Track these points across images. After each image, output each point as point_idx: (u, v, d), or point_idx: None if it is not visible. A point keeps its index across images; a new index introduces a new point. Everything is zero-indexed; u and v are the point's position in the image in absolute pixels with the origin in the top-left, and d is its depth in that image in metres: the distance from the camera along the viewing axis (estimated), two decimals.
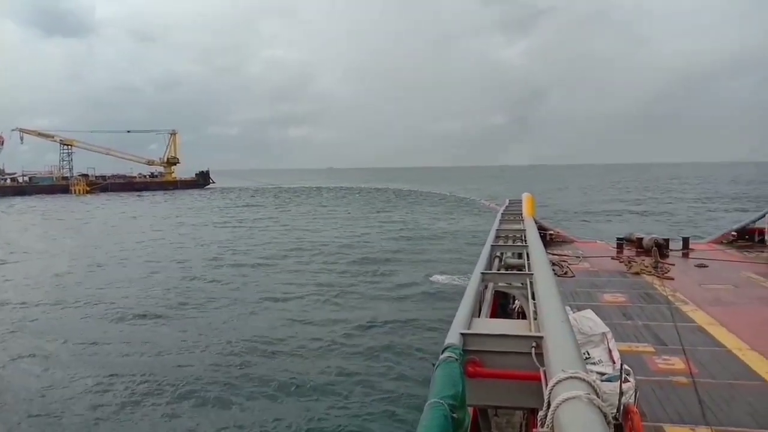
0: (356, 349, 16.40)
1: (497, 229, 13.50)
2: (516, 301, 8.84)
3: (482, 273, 7.22)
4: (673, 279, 13.78)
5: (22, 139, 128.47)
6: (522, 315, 7.30)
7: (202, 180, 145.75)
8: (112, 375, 14.83)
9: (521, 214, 17.54)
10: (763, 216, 19.59)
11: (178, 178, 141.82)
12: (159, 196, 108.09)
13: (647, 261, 15.64)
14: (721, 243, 19.74)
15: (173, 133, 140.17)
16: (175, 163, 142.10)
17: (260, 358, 15.95)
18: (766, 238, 18.96)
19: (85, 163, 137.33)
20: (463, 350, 3.93)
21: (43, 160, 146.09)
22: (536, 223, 16.57)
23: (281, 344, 17.14)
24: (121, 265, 32.40)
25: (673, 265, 15.49)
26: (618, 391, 5.34)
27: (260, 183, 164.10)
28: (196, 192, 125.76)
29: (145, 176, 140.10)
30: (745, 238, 19.73)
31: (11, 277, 29.01)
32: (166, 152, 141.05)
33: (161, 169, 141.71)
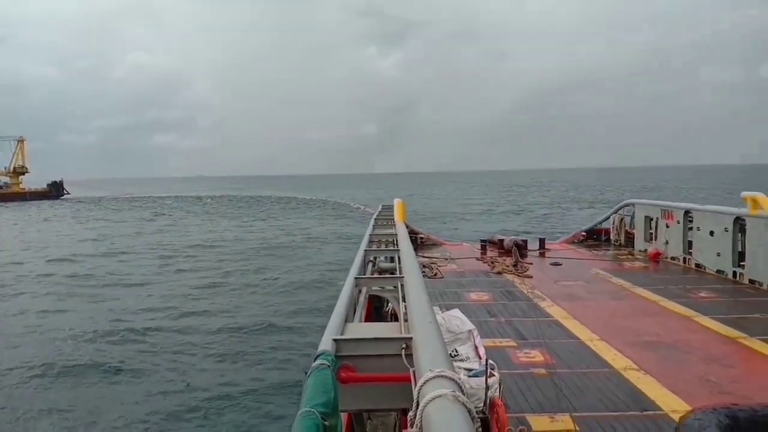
0: (224, 360, 15.96)
1: (370, 234, 13.69)
2: (389, 304, 8.99)
3: (356, 278, 7.26)
4: (531, 277, 14.76)
5: None
6: (395, 317, 7.43)
7: (54, 191, 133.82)
8: None
9: (393, 219, 17.93)
10: (608, 218, 21.61)
11: (27, 189, 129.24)
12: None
13: (508, 261, 16.64)
14: (573, 242, 21.51)
15: (21, 140, 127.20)
16: (23, 173, 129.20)
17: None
18: (611, 237, 20.93)
19: None
20: (335, 356, 3.91)
21: None
22: (407, 227, 17.02)
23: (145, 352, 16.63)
24: None
25: (532, 264, 16.60)
26: (484, 386, 5.60)
27: (124, 193, 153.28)
28: (46, 204, 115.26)
29: None
30: (594, 237, 21.68)
31: None
32: (12, 161, 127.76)
33: (7, 179, 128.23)
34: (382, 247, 12.91)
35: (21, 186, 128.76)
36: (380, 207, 22.92)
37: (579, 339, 9.42)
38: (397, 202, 19.64)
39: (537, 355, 8.54)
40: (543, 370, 7.91)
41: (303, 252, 37.21)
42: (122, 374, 15.41)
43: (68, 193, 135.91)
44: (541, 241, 20.08)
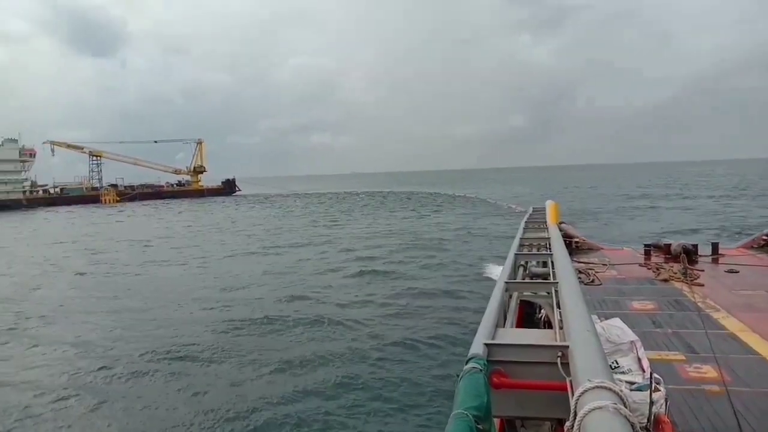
0: (376, 357, 16.46)
1: (521, 238, 13.37)
2: (542, 311, 8.74)
3: (506, 282, 7.15)
4: (702, 285, 13.49)
5: (53, 151, 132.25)
6: (548, 324, 7.22)
7: (228, 188, 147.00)
8: None
9: (545, 221, 17.38)
10: None
11: (204, 187, 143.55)
12: (188, 204, 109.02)
13: (676, 267, 15.33)
14: (752, 248, 19.29)
15: (199, 142, 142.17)
16: (201, 172, 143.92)
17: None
18: None
19: (114, 174, 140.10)
20: (487, 361, 3.89)
21: (73, 172, 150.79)
22: (561, 230, 16.37)
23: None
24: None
25: (703, 271, 15.17)
26: (648, 401, 5.25)
27: (291, 190, 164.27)
28: (225, 200, 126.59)
29: (172, 185, 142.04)
30: None
31: None
32: (192, 161, 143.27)
33: (188, 177, 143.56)
34: (534, 251, 12.55)
35: (200, 183, 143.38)
36: (531, 209, 22.31)
37: (759, 355, 8.45)
38: (549, 204, 18.98)
39: (709, 371, 7.80)
40: (716, 388, 7.21)
41: (450, 250, 37.50)
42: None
43: (239, 190, 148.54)
44: (714, 246, 18.23)
